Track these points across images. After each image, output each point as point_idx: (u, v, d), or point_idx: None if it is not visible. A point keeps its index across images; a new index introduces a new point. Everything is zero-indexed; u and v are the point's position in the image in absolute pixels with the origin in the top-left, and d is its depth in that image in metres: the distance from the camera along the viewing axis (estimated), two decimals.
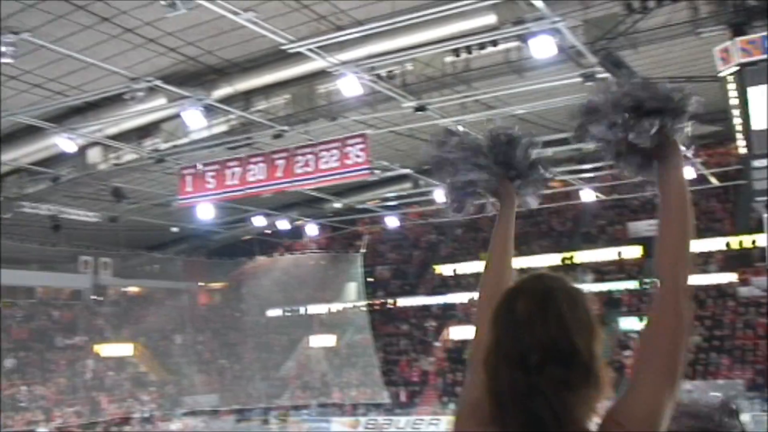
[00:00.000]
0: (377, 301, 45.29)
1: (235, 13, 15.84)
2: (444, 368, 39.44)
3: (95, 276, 42.74)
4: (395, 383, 39.95)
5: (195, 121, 20.35)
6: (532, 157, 2.33)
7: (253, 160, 22.46)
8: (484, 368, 1.75)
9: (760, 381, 30.39)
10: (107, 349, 41.44)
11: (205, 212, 26.22)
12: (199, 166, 23.08)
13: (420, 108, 21.12)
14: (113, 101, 20.82)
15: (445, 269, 44.78)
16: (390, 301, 45.44)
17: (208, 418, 40.01)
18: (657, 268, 1.82)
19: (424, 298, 44.39)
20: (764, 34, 16.28)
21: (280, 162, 21.91)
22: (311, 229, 39.04)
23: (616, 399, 1.73)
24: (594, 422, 1.71)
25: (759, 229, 22.12)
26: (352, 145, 21.00)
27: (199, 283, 48.42)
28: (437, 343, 41.28)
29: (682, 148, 2.02)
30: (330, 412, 39.75)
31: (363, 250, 46.16)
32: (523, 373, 1.67)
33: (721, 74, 16.38)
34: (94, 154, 24.40)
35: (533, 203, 2.38)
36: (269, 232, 42.26)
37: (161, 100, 20.63)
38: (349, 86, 18.66)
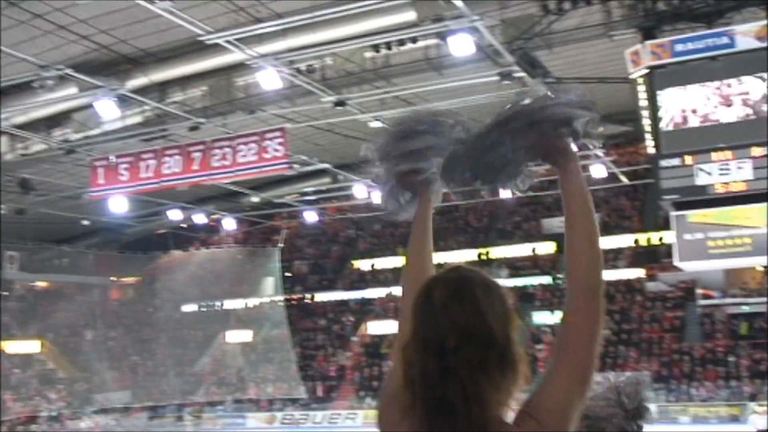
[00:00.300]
0: (295, 296, 45.08)
1: (151, 1, 15.48)
2: (361, 363, 39.55)
3: (0, 270, 41.19)
4: (312, 378, 39.85)
5: (108, 111, 19.80)
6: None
7: (169, 152, 21.99)
8: (402, 356, 1.78)
9: (665, 373, 31.52)
10: (13, 346, 40.00)
11: (118, 205, 25.55)
12: (112, 158, 22.46)
13: (339, 103, 21.08)
14: (21, 89, 20.06)
15: (363, 264, 44.89)
16: (307, 296, 45.30)
17: (119, 415, 39.08)
18: (569, 270, 1.86)
19: (341, 293, 44.39)
20: (673, 38, 16.88)
21: (197, 155, 21.53)
22: (228, 224, 38.52)
23: (531, 392, 1.75)
24: (508, 412, 1.73)
25: (666, 226, 22.95)
26: (270, 139, 20.79)
27: (111, 278, 47.20)
28: (354, 338, 41.35)
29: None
30: (245, 408, 39.38)
31: (280, 245, 45.84)
32: (438, 358, 1.70)
33: (632, 76, 16.91)
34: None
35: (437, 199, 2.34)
36: (185, 225, 41.52)
37: (72, 89, 20.00)
38: (268, 79, 18.48)
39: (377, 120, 22.57)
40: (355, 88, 21.23)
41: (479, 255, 41.48)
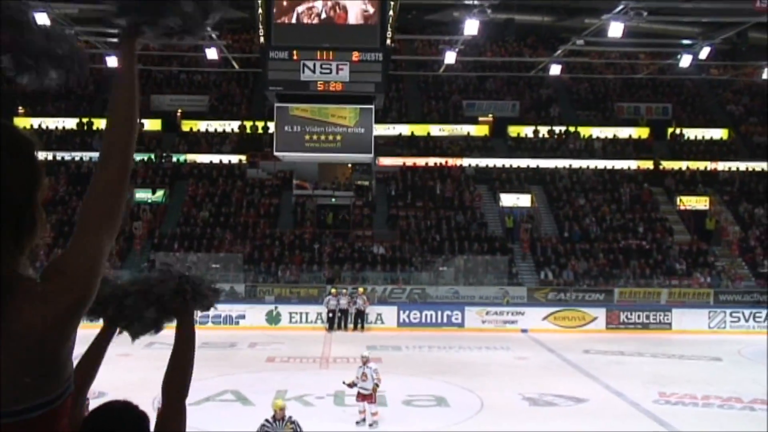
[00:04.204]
0: None
1: None
2: None
3: None
4: None
5: None
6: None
7: None
8: None
9: (256, 255, 33.41)
10: None
11: None
12: None
13: None
14: None
15: None
16: None
17: None
18: (107, 129, 1.89)
19: None
20: None
21: None
22: None
23: (62, 251, 1.81)
24: (27, 267, 1.78)
25: (271, 116, 23.92)
26: None
27: None
28: None
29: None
30: None
31: None
32: None
33: None
34: None
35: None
36: None
37: None
38: None
39: None
40: None
41: (80, 124, 39.39)
